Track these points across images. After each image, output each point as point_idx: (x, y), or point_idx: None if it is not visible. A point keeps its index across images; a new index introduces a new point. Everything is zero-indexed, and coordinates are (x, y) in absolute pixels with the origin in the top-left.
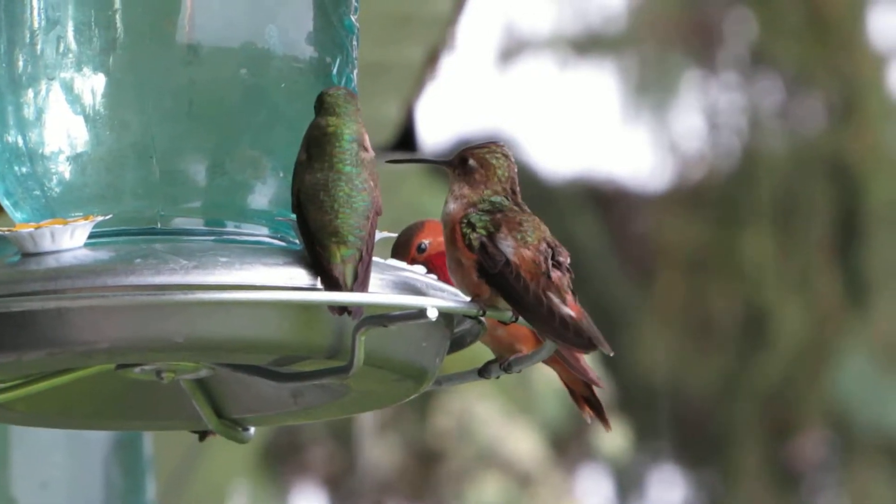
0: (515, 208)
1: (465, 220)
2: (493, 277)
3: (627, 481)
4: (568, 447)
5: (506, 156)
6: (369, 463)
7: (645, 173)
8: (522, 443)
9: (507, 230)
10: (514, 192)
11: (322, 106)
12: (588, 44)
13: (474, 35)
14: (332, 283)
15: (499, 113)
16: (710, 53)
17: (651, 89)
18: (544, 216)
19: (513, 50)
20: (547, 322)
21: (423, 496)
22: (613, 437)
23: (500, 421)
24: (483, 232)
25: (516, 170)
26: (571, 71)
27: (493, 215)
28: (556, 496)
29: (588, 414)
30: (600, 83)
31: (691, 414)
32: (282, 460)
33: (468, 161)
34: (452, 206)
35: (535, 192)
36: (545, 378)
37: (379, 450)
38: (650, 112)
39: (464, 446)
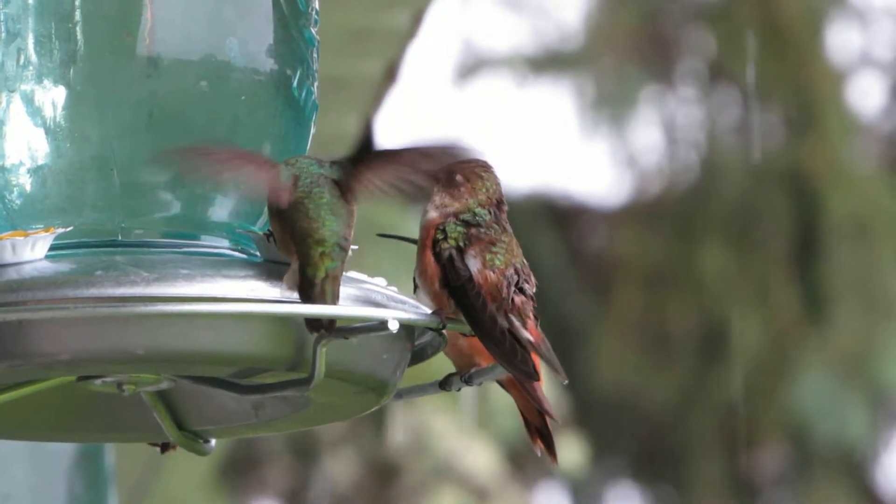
0: (495, 225)
1: (441, 228)
2: (454, 290)
3: (585, 497)
4: (525, 462)
5: (493, 173)
6: (326, 477)
7: (602, 188)
8: (480, 457)
9: (477, 248)
10: (499, 207)
11: None
12: (546, 60)
13: (432, 51)
14: (312, 300)
15: (457, 128)
16: (668, 68)
17: (608, 104)
18: None
19: (471, 66)
20: (498, 344)
21: None
22: (571, 453)
23: (457, 435)
24: (453, 243)
25: (502, 188)
26: (530, 87)
27: (468, 228)
28: None
29: (539, 447)
30: (558, 99)
31: (649, 428)
32: (240, 474)
33: (455, 175)
34: (433, 213)
35: None
36: (503, 393)
37: (336, 464)
38: (608, 127)
39: (421, 460)
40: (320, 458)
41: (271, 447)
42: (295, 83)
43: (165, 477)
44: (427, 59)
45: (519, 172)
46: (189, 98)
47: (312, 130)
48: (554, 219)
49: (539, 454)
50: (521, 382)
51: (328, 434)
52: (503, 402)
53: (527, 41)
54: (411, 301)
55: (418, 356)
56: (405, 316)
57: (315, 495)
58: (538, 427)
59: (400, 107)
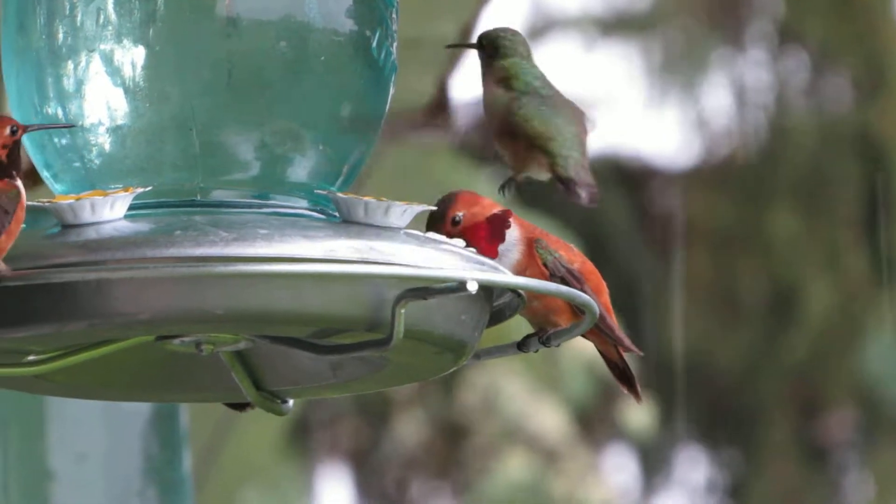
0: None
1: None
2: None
3: (653, 459)
4: (594, 424)
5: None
6: (395, 438)
7: (672, 151)
8: (549, 419)
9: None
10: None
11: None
12: (615, 22)
13: (503, 12)
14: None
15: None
16: (737, 31)
17: (678, 67)
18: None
19: (540, 28)
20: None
21: (448, 472)
22: (639, 415)
23: (526, 397)
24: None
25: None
26: (599, 49)
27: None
28: (582, 473)
29: (623, 387)
30: (627, 61)
31: (718, 391)
32: (309, 435)
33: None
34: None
35: None
36: (573, 354)
37: (405, 425)
38: (677, 89)
39: (490, 422)
40: (389, 419)
41: (341, 408)
42: (374, 44)
43: (237, 438)
44: (498, 20)
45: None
46: (268, 58)
47: (391, 91)
48: (623, 181)
49: (624, 392)
50: (602, 328)
51: (398, 395)
52: (573, 364)
53: (596, 3)
54: (490, 262)
55: (497, 317)
56: (484, 277)
57: (384, 456)
58: (619, 367)
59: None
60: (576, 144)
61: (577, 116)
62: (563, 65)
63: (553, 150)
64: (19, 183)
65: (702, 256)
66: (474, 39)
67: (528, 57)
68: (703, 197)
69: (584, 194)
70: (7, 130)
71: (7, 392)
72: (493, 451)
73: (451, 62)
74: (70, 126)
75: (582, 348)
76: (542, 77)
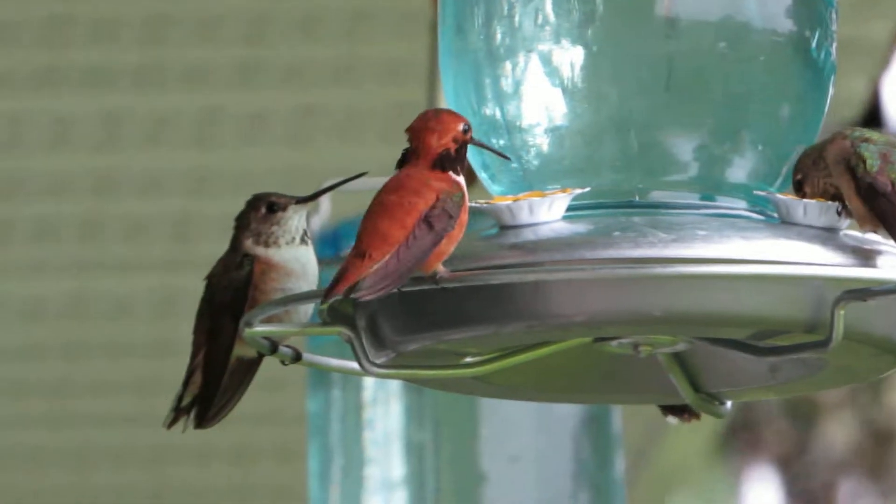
0: None
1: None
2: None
3: None
4: None
5: None
6: (823, 441)
7: None
8: None
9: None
10: None
11: None
12: None
13: None
14: None
15: None
16: None
17: None
18: None
19: None
20: None
21: (877, 475)
22: None
23: None
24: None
25: None
26: None
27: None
28: None
29: None
30: None
31: None
32: (737, 438)
33: None
34: None
35: None
36: None
37: (834, 428)
38: None
39: None
40: (817, 421)
41: (769, 411)
42: (814, 45)
43: (668, 440)
44: None
45: None
46: (707, 59)
47: (830, 93)
48: None
49: None
50: None
51: (826, 397)
52: None
53: None
54: None
55: None
56: None
57: (812, 459)
58: None
59: None
60: None
61: None
62: None
63: None
64: (463, 184)
65: None
66: None
67: None
68: None
69: None
70: (461, 126)
71: (440, 394)
72: None
73: (884, 65)
74: (504, 157)
75: None
76: None
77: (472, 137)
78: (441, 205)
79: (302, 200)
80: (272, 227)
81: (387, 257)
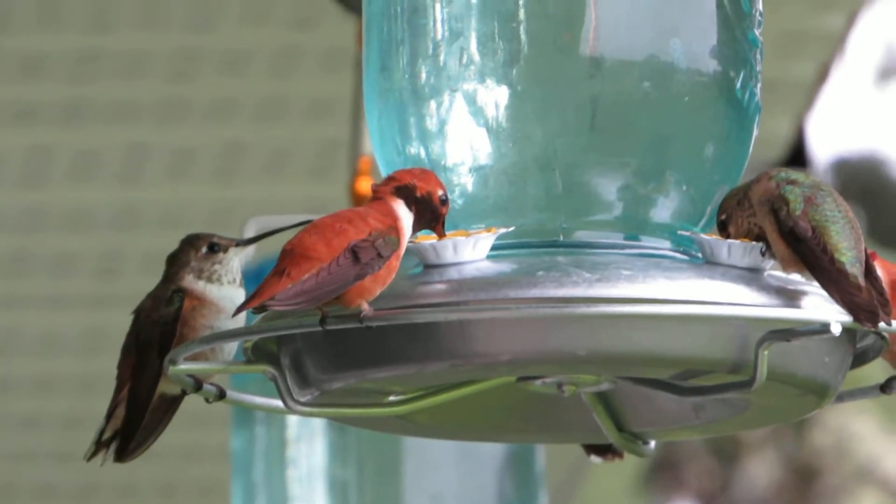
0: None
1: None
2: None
3: None
4: None
5: None
6: (746, 478)
7: None
8: None
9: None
10: None
11: None
12: None
13: (856, 53)
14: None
15: (876, 132)
16: None
17: None
18: None
19: (892, 69)
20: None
21: None
22: None
23: (879, 437)
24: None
25: None
26: None
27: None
28: None
29: None
30: None
31: None
32: (661, 476)
33: None
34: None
35: None
36: None
37: (756, 465)
38: None
39: (841, 463)
40: (740, 459)
41: (692, 448)
42: (738, 85)
43: (591, 479)
44: (852, 61)
45: None
46: (632, 98)
47: (755, 133)
48: None
49: None
50: None
51: (749, 435)
52: None
53: None
54: None
55: (859, 359)
56: (848, 319)
57: (735, 497)
58: None
59: (826, 109)
60: None
61: None
62: None
63: None
64: (405, 234)
65: None
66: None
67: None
68: None
69: None
70: (440, 193)
71: (364, 432)
72: (845, 493)
73: (808, 103)
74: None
75: None
76: None
77: (444, 211)
78: (372, 241)
79: (243, 243)
80: (215, 266)
81: (305, 276)
